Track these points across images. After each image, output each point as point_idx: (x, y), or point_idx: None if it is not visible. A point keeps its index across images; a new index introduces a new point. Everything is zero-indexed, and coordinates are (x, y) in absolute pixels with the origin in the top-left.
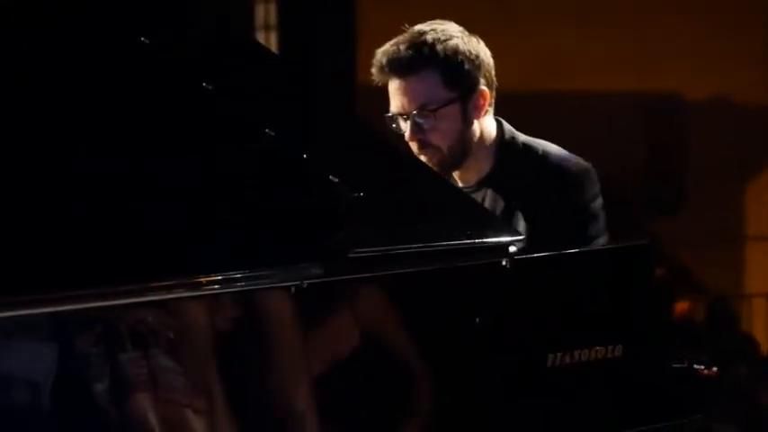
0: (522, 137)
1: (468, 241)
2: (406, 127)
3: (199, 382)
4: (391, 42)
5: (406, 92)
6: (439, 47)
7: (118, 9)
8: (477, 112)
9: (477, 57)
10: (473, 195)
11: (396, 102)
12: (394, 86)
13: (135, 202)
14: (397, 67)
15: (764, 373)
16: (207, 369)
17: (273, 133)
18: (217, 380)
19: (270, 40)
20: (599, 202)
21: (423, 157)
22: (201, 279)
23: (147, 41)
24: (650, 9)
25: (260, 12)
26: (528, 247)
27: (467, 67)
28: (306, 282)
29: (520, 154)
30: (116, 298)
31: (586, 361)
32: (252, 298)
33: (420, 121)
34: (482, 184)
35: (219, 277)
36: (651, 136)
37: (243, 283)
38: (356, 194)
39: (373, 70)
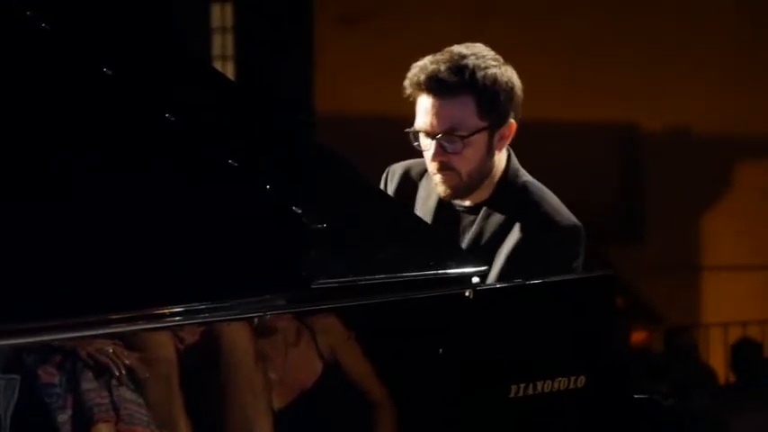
0: (524, 177)
1: (431, 272)
2: (427, 145)
3: (161, 413)
4: (430, 59)
5: (439, 113)
6: (479, 74)
7: (81, 40)
8: (502, 143)
9: (512, 88)
10: (463, 217)
11: (425, 119)
12: (427, 104)
13: (97, 233)
14: (434, 86)
15: (728, 400)
16: (170, 401)
17: (236, 164)
18: (180, 411)
19: (227, 70)
20: (579, 261)
21: (439, 178)
22: (164, 310)
23: (110, 72)
24: (609, 41)
25: (217, 42)
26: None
27: (502, 98)
28: (269, 313)
29: (517, 192)
30: (77, 330)
31: (549, 391)
32: (215, 329)
33: (446, 143)
34: (474, 210)
35: (182, 309)
36: (609, 165)
37: (206, 315)
38: (319, 225)
39: (407, 83)
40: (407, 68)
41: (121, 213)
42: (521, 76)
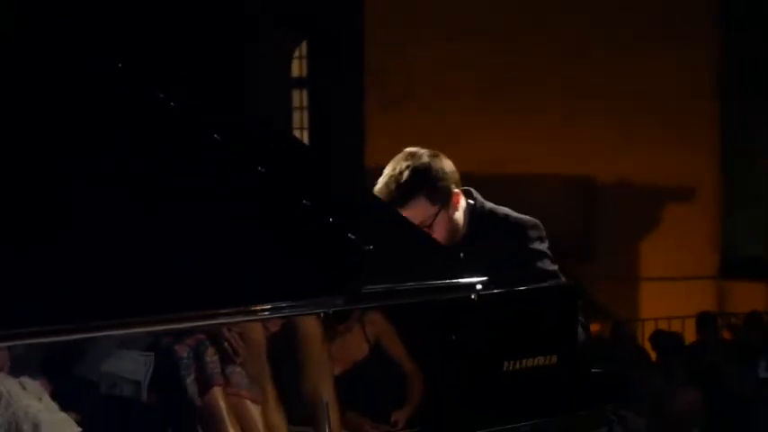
0: (486, 204)
1: (447, 281)
2: None
3: (256, 381)
4: (383, 181)
5: (407, 216)
6: (417, 179)
7: (205, 116)
8: (456, 207)
9: (445, 171)
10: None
11: None
12: None
13: (223, 258)
14: (394, 203)
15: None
16: (262, 372)
17: (309, 203)
18: (268, 380)
19: (303, 137)
20: (546, 244)
21: None
22: (257, 307)
23: (219, 138)
24: (576, 111)
25: (297, 117)
26: (491, 284)
27: (440, 184)
28: (332, 309)
29: (487, 218)
30: (199, 320)
31: (531, 366)
32: (293, 320)
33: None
34: (463, 243)
35: (270, 306)
36: (571, 206)
37: (287, 311)
38: (368, 247)
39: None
40: (435, 137)
41: (244, 247)
42: (514, 142)
